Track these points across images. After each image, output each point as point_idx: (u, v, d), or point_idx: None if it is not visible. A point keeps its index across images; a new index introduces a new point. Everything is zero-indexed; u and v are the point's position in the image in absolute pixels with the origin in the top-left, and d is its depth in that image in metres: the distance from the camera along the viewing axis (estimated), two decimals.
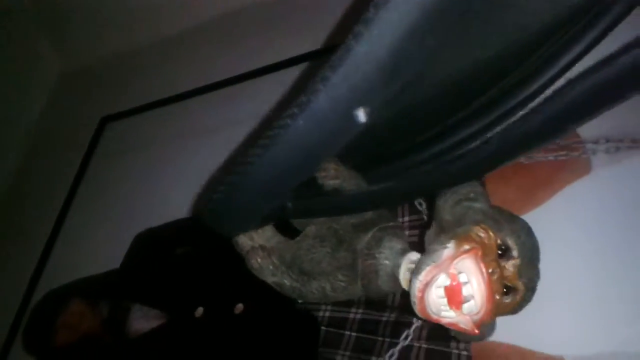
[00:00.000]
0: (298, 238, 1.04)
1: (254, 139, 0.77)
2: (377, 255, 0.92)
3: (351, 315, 1.22)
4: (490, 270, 0.74)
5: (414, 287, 0.79)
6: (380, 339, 1.15)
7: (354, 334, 1.19)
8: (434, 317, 0.79)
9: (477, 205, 0.82)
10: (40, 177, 2.38)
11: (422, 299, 0.78)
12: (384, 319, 1.18)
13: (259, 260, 1.01)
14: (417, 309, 0.81)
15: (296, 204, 0.93)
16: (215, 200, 0.88)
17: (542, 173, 1.19)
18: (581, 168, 1.19)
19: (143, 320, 1.39)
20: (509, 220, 0.80)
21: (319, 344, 1.21)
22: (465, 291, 0.75)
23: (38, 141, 2.54)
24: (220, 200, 0.86)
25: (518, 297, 0.78)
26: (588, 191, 1.17)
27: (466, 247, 0.76)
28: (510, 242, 0.77)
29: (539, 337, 1.07)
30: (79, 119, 2.44)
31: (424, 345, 1.10)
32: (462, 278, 0.75)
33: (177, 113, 2.13)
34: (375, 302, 1.21)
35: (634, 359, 1.01)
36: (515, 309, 0.80)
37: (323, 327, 1.23)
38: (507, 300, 0.78)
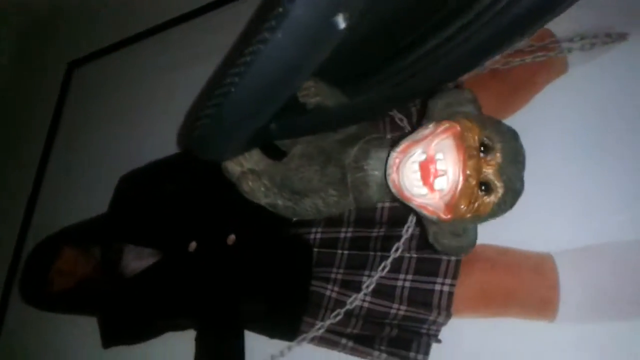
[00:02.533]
0: (286, 159, 1.04)
1: (232, 61, 0.75)
2: (365, 167, 0.93)
3: (342, 235, 1.24)
4: (468, 153, 0.74)
5: (391, 158, 0.79)
6: (371, 254, 1.18)
7: (345, 251, 1.22)
8: (407, 194, 0.77)
9: (466, 109, 0.82)
10: (13, 133, 2.33)
11: (397, 170, 0.77)
12: (374, 234, 1.20)
13: (250, 183, 1.01)
14: (390, 180, 0.79)
15: (280, 124, 0.91)
16: (201, 126, 0.86)
17: (520, 77, 1.19)
18: (558, 67, 1.20)
19: (137, 259, 1.40)
20: (495, 123, 0.80)
21: (313, 265, 1.24)
22: (439, 166, 0.74)
23: (6, 96, 2.46)
24: (206, 125, 0.84)
25: (498, 196, 0.77)
26: (566, 89, 1.17)
27: (446, 125, 0.76)
28: (494, 138, 0.76)
29: (526, 237, 1.11)
30: (45, 68, 2.36)
31: (415, 255, 1.14)
32: (438, 156, 0.75)
33: (147, 49, 2.07)
34: (364, 220, 1.23)
35: (619, 248, 1.04)
36: (494, 210, 0.78)
37: (315, 249, 1.25)
38: (487, 199, 0.77)
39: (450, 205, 0.75)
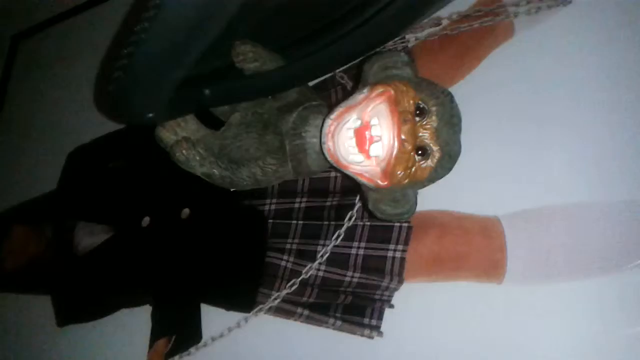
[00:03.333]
0: (223, 128, 1.02)
1: (142, 8, 0.71)
2: (303, 135, 0.92)
3: (296, 205, 1.24)
4: (402, 118, 0.73)
5: (325, 126, 0.78)
6: (326, 223, 1.18)
7: (300, 222, 1.22)
8: (343, 162, 0.78)
9: (402, 72, 0.81)
10: None
11: (332, 138, 0.77)
12: (328, 203, 1.20)
13: (184, 152, 0.97)
14: (325, 149, 0.79)
15: (214, 90, 0.89)
16: (114, 80, 0.80)
17: (468, 42, 1.19)
18: (505, 32, 1.20)
19: (89, 236, 1.37)
20: (430, 85, 0.79)
21: (268, 236, 1.23)
22: (374, 131, 0.74)
23: None
24: (120, 78, 0.79)
25: (435, 160, 0.77)
26: (513, 54, 1.18)
27: (380, 89, 0.75)
28: (429, 101, 0.76)
29: (473, 202, 1.12)
30: None
31: (368, 223, 1.14)
32: (373, 122, 0.75)
33: (91, 20, 2.00)
34: (318, 189, 1.22)
35: (564, 210, 1.07)
36: (431, 175, 0.79)
37: (270, 220, 1.25)
38: (423, 163, 0.77)
39: (387, 172, 0.75)
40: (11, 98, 2.08)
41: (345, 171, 0.79)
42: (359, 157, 0.76)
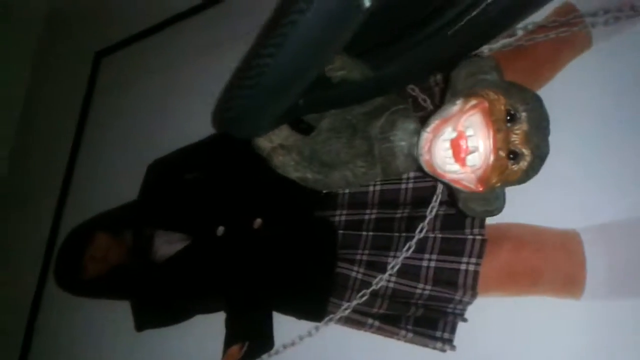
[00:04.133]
0: (314, 133, 1.06)
1: (263, 42, 0.77)
2: (392, 138, 0.95)
3: (366, 217, 1.25)
4: (496, 127, 0.76)
5: (422, 139, 0.82)
6: (396, 234, 1.18)
7: (370, 233, 1.23)
8: (439, 171, 0.81)
9: (490, 77, 0.83)
10: (44, 124, 2.39)
11: (429, 150, 0.80)
12: (398, 215, 1.20)
13: (281, 158, 1.04)
14: (423, 161, 0.83)
15: (307, 99, 0.94)
16: (235, 107, 0.89)
17: (545, 52, 1.17)
18: (582, 43, 1.17)
19: (167, 244, 1.43)
20: (520, 90, 0.81)
21: (338, 247, 1.25)
22: (470, 143, 0.77)
23: (34, 87, 2.52)
24: (240, 106, 0.87)
25: (525, 164, 0.79)
26: (591, 65, 1.15)
27: (474, 102, 0.78)
28: (519, 107, 0.78)
29: (551, 214, 1.10)
30: (73, 57, 2.41)
31: (439, 235, 1.14)
32: (469, 132, 0.77)
33: (172, 37, 2.09)
34: (388, 201, 1.23)
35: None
36: (522, 177, 0.81)
37: (340, 231, 1.27)
38: (514, 166, 0.79)
39: (483, 179, 0.78)
40: (95, 111, 2.20)
41: (442, 180, 0.83)
42: (455, 167, 0.79)
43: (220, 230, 1.34)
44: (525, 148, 0.78)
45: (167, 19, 2.11)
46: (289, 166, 1.03)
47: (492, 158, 0.76)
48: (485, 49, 1.18)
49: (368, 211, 1.26)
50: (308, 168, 1.02)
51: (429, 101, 1.23)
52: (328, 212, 1.30)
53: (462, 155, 0.77)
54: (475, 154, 0.77)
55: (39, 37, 2.63)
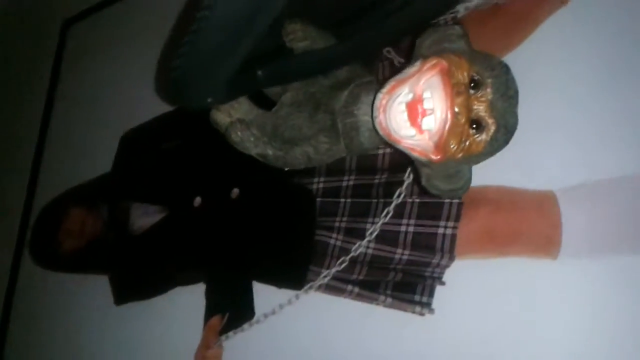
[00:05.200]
0: (275, 107, 1.02)
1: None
2: (355, 112, 0.91)
3: (344, 183, 1.24)
4: (455, 90, 0.72)
5: (377, 100, 0.77)
6: (374, 200, 1.17)
7: (348, 200, 1.22)
8: (395, 136, 0.76)
9: (456, 45, 0.79)
10: (12, 93, 2.32)
11: (384, 112, 0.76)
12: (376, 181, 1.19)
13: (239, 133, 0.98)
14: (377, 124, 0.78)
15: (267, 71, 0.90)
16: (176, 68, 0.84)
17: (520, 10, 1.15)
18: None
19: (144, 217, 1.41)
20: (485, 56, 0.77)
21: (317, 214, 1.24)
22: (426, 104, 0.73)
23: (3, 55, 2.45)
24: (181, 66, 0.82)
25: (489, 134, 0.75)
26: (568, 21, 1.13)
27: (433, 62, 0.74)
28: (484, 73, 0.74)
29: (527, 175, 1.10)
30: (40, 25, 2.33)
31: (417, 200, 1.13)
32: (426, 94, 0.73)
33: (141, 4, 2.02)
34: (366, 167, 1.22)
35: (620, 183, 1.03)
36: (487, 148, 0.77)
37: (318, 198, 1.25)
38: (478, 137, 0.75)
39: (440, 145, 0.73)
40: (63, 81, 2.14)
41: (398, 146, 0.78)
42: (411, 131, 0.74)
43: (197, 201, 1.32)
44: (489, 117, 0.74)
45: None
46: (248, 142, 0.98)
47: (449, 121, 0.71)
48: (461, 8, 1.16)
49: (346, 177, 1.24)
50: (269, 144, 0.97)
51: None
52: (306, 180, 1.28)
53: (419, 119, 0.73)
54: (431, 117, 0.72)
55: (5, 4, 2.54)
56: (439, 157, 0.74)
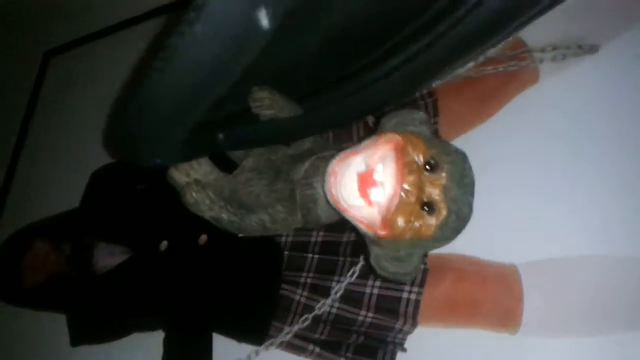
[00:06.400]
0: (236, 171, 1.01)
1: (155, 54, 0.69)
2: (314, 185, 0.90)
3: (313, 239, 1.24)
4: (408, 168, 0.71)
5: (329, 166, 0.76)
6: (341, 259, 1.17)
7: (316, 256, 1.21)
8: (343, 204, 0.75)
9: (418, 130, 0.79)
10: None
11: (335, 178, 0.75)
12: (344, 239, 1.20)
13: (194, 194, 0.95)
14: (327, 190, 0.76)
15: (228, 135, 0.88)
16: (121, 126, 0.81)
17: (492, 85, 1.19)
18: (530, 77, 1.20)
19: (108, 256, 1.38)
20: (443, 143, 0.78)
21: (283, 268, 1.23)
22: (376, 176, 0.72)
23: None
24: (128, 122, 0.78)
25: (440, 218, 0.74)
26: (537, 99, 1.17)
27: (389, 136, 0.74)
28: (441, 158, 0.74)
29: (492, 248, 1.11)
30: (20, 57, 2.32)
31: None
32: (378, 167, 0.73)
33: (124, 40, 2.02)
34: (335, 224, 1.21)
35: (585, 262, 1.05)
36: (437, 234, 0.75)
37: (286, 252, 1.25)
38: (429, 220, 0.74)
39: (387, 220, 0.72)
40: (39, 114, 2.12)
41: (345, 215, 0.76)
42: (360, 201, 0.74)
43: (164, 244, 1.30)
44: (442, 202, 0.73)
45: (119, 22, 2.05)
46: (203, 204, 0.95)
47: (397, 197, 0.70)
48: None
49: (315, 233, 1.24)
50: (224, 208, 0.95)
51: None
52: None
53: (368, 190, 0.72)
54: (380, 189, 0.72)
55: None
56: (384, 232, 0.73)
